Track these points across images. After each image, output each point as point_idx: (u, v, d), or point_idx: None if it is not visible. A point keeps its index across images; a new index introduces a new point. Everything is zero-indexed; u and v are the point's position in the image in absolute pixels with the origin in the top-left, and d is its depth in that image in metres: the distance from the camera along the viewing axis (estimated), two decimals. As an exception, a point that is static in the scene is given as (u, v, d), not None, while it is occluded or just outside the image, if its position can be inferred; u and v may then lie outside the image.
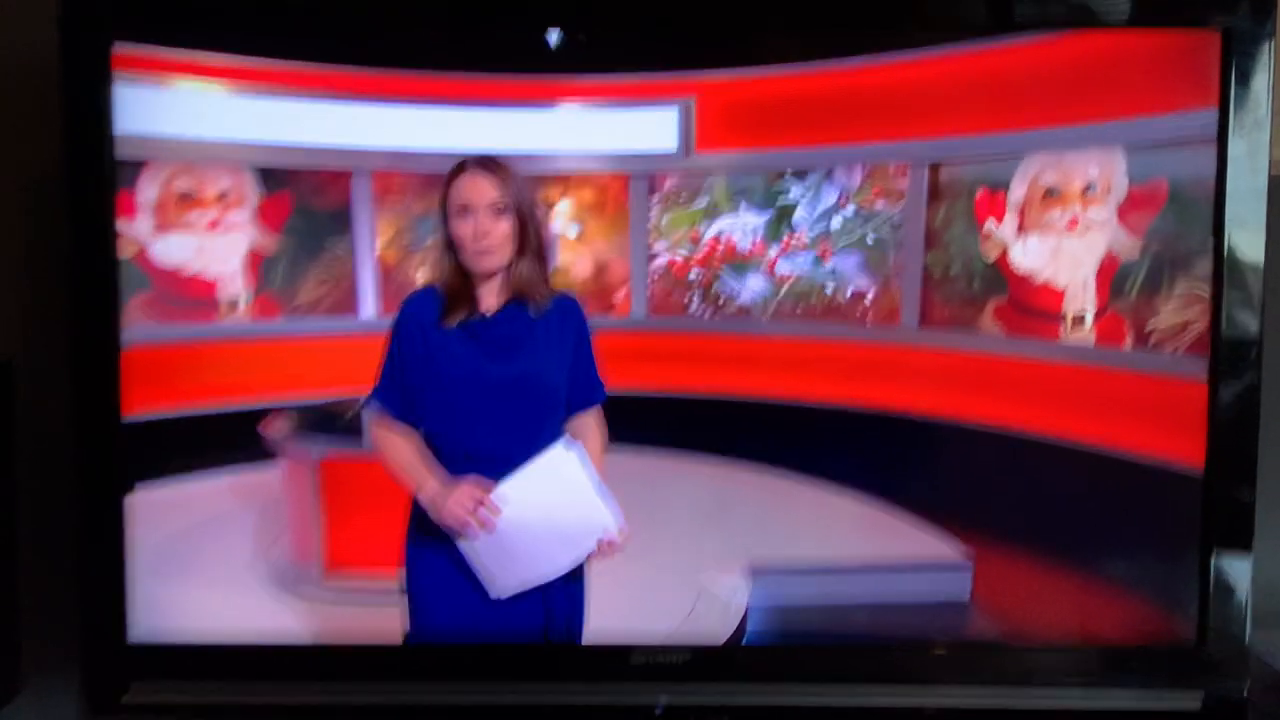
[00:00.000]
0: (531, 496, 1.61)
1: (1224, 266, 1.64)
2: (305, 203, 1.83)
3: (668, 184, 1.84)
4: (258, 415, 1.82)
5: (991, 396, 1.76)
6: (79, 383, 1.69)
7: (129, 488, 1.71)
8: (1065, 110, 1.69)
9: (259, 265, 1.81)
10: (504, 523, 1.60)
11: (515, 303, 1.64)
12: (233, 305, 1.81)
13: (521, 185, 1.63)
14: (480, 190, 1.61)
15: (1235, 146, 1.62)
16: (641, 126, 1.82)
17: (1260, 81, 1.62)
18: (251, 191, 1.80)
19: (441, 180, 1.69)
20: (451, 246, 1.63)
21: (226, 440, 1.80)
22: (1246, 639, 1.66)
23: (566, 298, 1.68)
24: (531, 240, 1.63)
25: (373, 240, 1.87)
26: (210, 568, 1.81)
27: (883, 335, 1.80)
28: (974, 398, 1.76)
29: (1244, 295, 1.64)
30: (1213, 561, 1.66)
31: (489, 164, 1.63)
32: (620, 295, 1.86)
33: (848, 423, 1.80)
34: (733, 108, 1.80)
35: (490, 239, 1.61)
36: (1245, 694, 1.67)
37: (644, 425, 1.75)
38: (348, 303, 1.86)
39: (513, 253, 1.62)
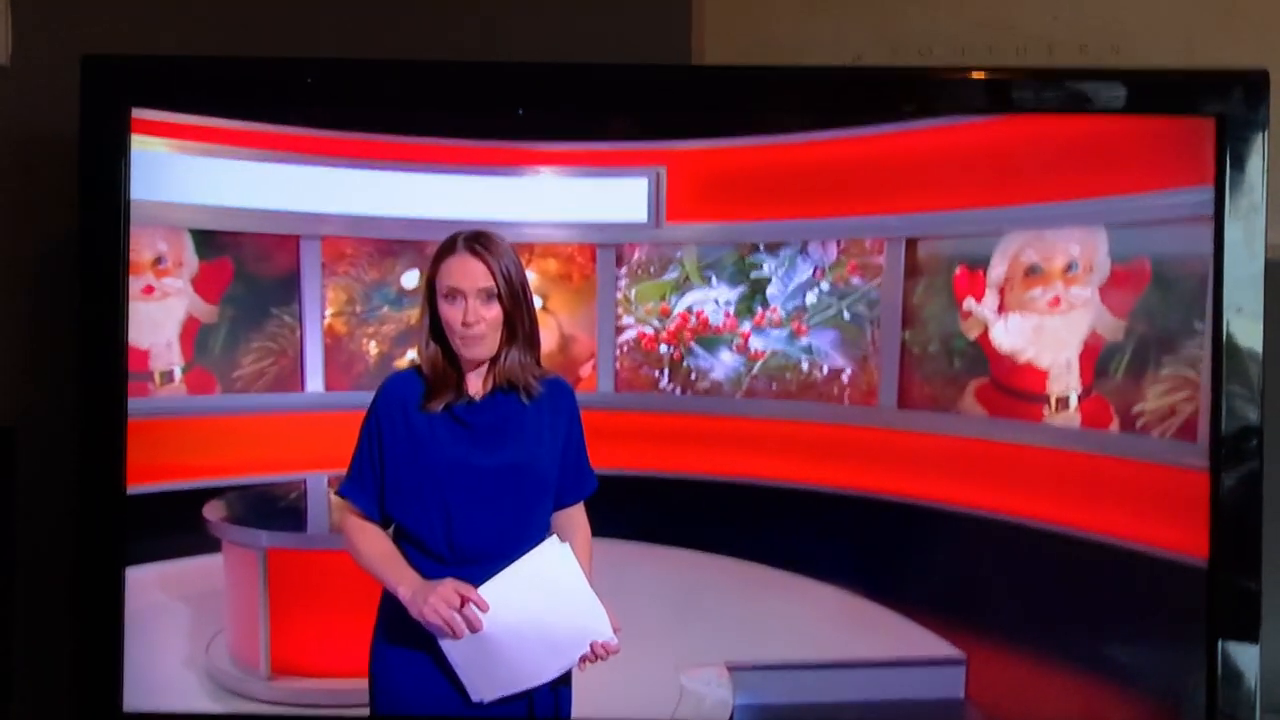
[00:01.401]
0: (522, 595, 1.51)
1: (1223, 353, 1.62)
2: (247, 269, 1.73)
3: (636, 255, 1.77)
4: (195, 498, 1.71)
5: (977, 481, 1.70)
6: (84, 451, 1.66)
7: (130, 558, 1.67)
8: (1047, 187, 1.67)
9: (196, 335, 1.71)
10: (490, 623, 1.50)
11: (504, 389, 1.56)
12: (167, 377, 1.71)
13: (513, 265, 1.55)
14: (471, 274, 1.52)
15: (1231, 231, 1.62)
16: (610, 195, 1.75)
17: (1255, 167, 1.62)
18: (190, 256, 1.71)
19: (394, 246, 1.65)
20: (437, 327, 1.54)
21: (161, 526, 1.69)
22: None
23: (558, 381, 1.60)
24: (523, 326, 1.55)
25: (321, 310, 1.77)
26: (139, 666, 1.68)
27: (861, 415, 1.74)
28: (958, 482, 1.71)
29: (1243, 381, 1.63)
30: (1219, 650, 1.63)
31: (481, 243, 1.54)
32: (586, 370, 1.78)
33: (824, 507, 1.73)
34: (704, 178, 1.75)
35: (480, 326, 1.52)
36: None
37: (611, 508, 1.65)
38: (292, 376, 1.76)
39: (502, 340, 1.54)
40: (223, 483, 1.74)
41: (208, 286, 1.72)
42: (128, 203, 1.66)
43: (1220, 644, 1.63)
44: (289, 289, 1.76)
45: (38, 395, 1.87)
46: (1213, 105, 1.62)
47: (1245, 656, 1.63)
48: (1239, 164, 1.62)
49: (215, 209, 1.71)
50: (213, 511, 1.73)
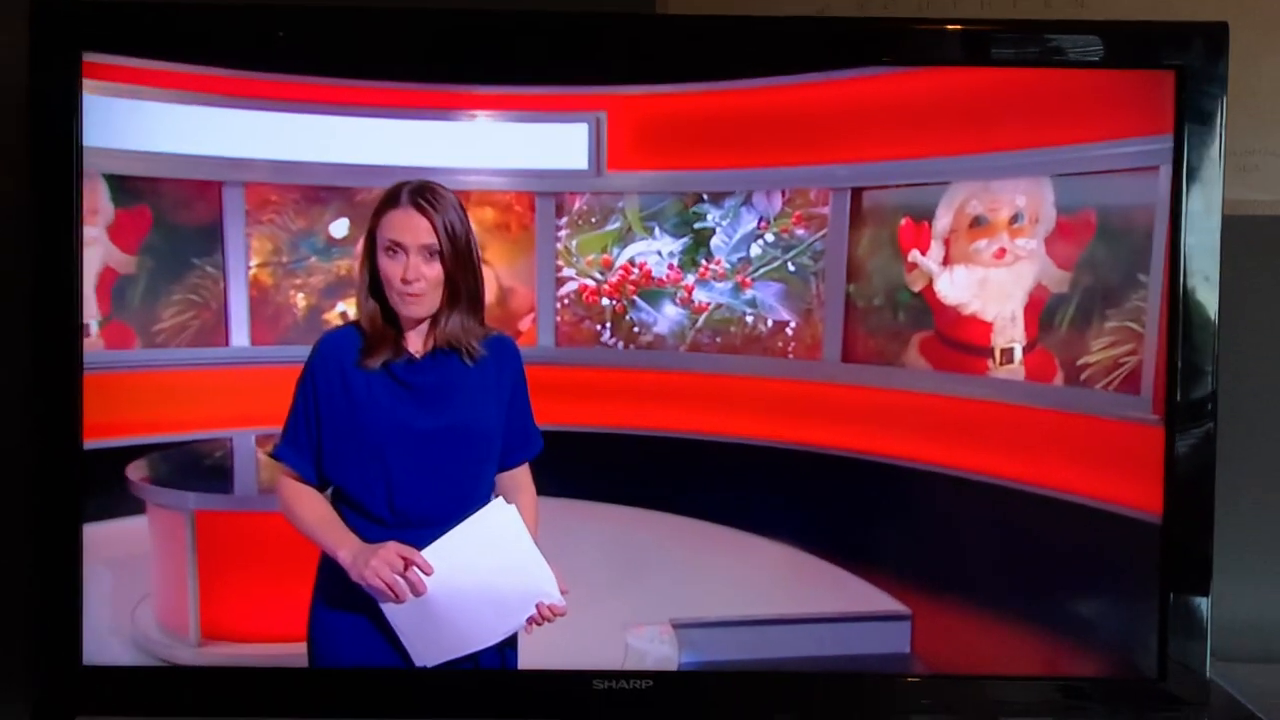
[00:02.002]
0: (467, 557, 1.48)
1: (1178, 310, 1.62)
2: (167, 218, 1.65)
3: (577, 204, 1.72)
4: (116, 457, 1.64)
5: (922, 435, 1.69)
6: (40, 406, 1.61)
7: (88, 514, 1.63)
8: (995, 137, 1.65)
9: (113, 287, 1.64)
10: (434, 586, 1.47)
11: (445, 349, 1.52)
12: (83, 331, 1.63)
13: (460, 222, 1.51)
14: (413, 229, 1.49)
15: (1189, 185, 1.61)
16: (549, 142, 1.70)
17: (1213, 122, 1.61)
18: (105, 204, 1.63)
19: (322, 193, 1.60)
20: (376, 282, 1.50)
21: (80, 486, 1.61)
22: (1208, 672, 1.65)
23: (502, 339, 1.57)
24: (466, 286, 1.52)
25: (246, 260, 1.70)
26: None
27: (805, 369, 1.72)
28: (903, 436, 1.70)
29: (1198, 338, 1.62)
30: (1170, 603, 1.64)
31: (425, 197, 1.50)
32: (525, 324, 1.73)
33: (768, 462, 1.71)
34: (646, 125, 1.70)
35: (420, 284, 1.49)
36: (1206, 724, 1.67)
37: (552, 465, 1.63)
38: (216, 330, 1.69)
39: (443, 300, 1.51)
40: (145, 440, 1.67)
41: (125, 236, 1.64)
42: (80, 149, 1.60)
43: (1172, 597, 1.64)
44: (211, 238, 1.68)
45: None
46: (1172, 58, 1.61)
47: (1196, 606, 1.64)
48: (1197, 116, 1.61)
49: (132, 154, 1.63)
50: (136, 472, 1.66)
